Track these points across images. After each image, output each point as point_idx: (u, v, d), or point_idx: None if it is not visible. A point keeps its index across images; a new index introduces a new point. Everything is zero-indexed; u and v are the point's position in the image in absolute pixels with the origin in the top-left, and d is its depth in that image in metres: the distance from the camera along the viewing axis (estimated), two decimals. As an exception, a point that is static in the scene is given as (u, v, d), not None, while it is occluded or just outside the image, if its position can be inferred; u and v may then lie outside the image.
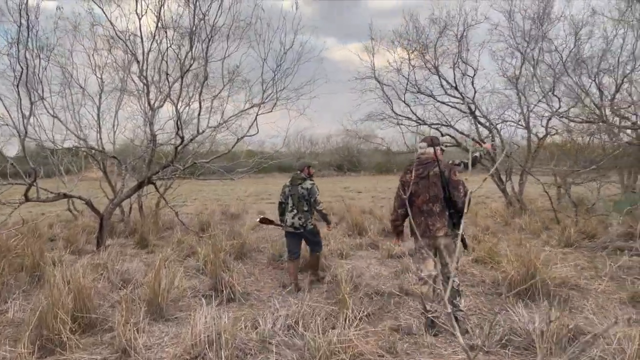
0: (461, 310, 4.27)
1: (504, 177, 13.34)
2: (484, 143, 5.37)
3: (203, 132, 8.59)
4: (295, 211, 5.99)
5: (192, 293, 5.71)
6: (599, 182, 10.01)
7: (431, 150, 4.31)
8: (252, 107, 8.20)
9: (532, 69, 12.04)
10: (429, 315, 4.18)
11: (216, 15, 7.81)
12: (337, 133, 56.86)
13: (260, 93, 8.09)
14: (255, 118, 8.23)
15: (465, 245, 4.49)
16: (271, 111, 8.09)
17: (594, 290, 5.54)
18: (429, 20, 12.94)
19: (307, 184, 6.02)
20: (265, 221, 6.64)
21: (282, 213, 6.21)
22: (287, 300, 5.26)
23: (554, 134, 12.40)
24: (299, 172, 6.15)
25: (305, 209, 5.98)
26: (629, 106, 9.89)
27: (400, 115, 13.66)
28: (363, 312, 4.60)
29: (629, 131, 10.53)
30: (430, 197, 4.20)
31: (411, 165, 4.43)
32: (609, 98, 10.07)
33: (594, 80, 11.37)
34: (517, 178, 13.52)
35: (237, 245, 7.49)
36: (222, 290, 5.54)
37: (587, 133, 10.52)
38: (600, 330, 2.71)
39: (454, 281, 4.24)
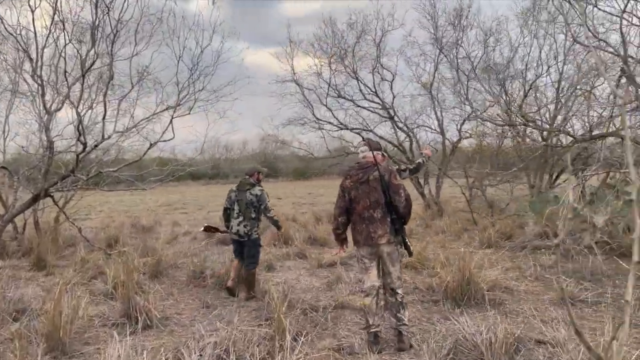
0: (405, 325, 4.05)
1: (422, 180, 13.61)
2: (426, 149, 5.26)
3: (109, 137, 7.74)
4: (241, 218, 5.71)
5: (100, 322, 4.97)
6: (511, 183, 10.44)
7: (371, 154, 4.10)
8: (166, 109, 7.50)
9: (446, 74, 12.38)
10: (372, 330, 3.95)
11: (122, 7, 7.06)
12: (254, 139, 56.18)
13: (175, 94, 7.43)
14: (171, 121, 7.55)
15: (410, 253, 4.20)
16: (189, 113, 7.46)
17: (523, 292, 5.59)
18: (346, 25, 12.91)
19: (256, 190, 5.76)
20: (209, 229, 6.32)
21: (227, 219, 5.91)
22: (214, 323, 4.73)
23: (467, 137, 12.85)
24: (247, 177, 5.87)
25: (253, 216, 5.73)
26: (537, 110, 10.43)
27: (321, 120, 13.49)
28: (300, 332, 4.21)
29: (536, 134, 11.13)
30: (371, 203, 3.99)
31: (351, 170, 4.21)
32: (518, 103, 10.56)
33: (503, 86, 11.93)
34: (434, 181, 13.89)
35: (152, 263, 6.78)
36: (137, 317, 4.87)
37: (498, 137, 10.96)
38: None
39: (398, 293, 4.04)
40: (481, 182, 10.14)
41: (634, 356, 3.11)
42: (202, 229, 6.46)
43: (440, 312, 4.90)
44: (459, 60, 12.79)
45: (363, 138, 13.50)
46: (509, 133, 10.93)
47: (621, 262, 5.87)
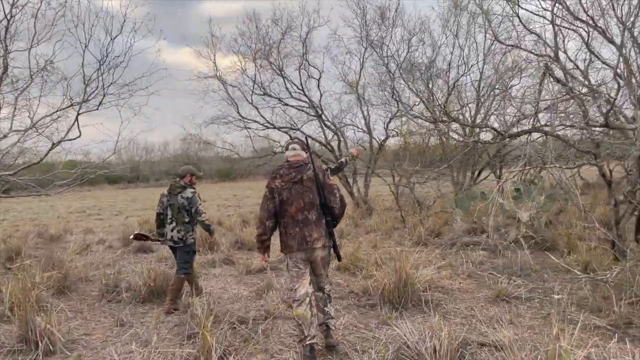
0: (332, 317, 3.95)
1: (350, 180, 13.51)
2: (355, 149, 5.05)
3: (5, 137, 6.80)
4: (174, 223, 5.37)
5: (-9, 351, 4.23)
6: (438, 181, 10.55)
7: (304, 154, 3.90)
8: (71, 105, 6.67)
9: (372, 73, 12.36)
10: (308, 342, 3.63)
11: (17, -11, 6.19)
12: (175, 140, 54.12)
13: (82, 89, 6.62)
14: (76, 119, 6.72)
15: (339, 257, 4.01)
16: (97, 109, 6.66)
17: (458, 291, 5.50)
18: (271, 21, 12.51)
19: (188, 192, 5.43)
20: (140, 237, 5.90)
21: (160, 225, 5.53)
22: (128, 345, 4.16)
23: (395, 136, 12.91)
24: (178, 179, 5.54)
25: (186, 220, 5.38)
26: (459, 109, 10.62)
27: (246, 118, 12.97)
28: (228, 350, 3.77)
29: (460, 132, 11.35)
30: (306, 204, 3.73)
31: (280, 169, 3.87)
32: (442, 101, 10.71)
33: (427, 86, 12.10)
34: (362, 179, 13.86)
35: (58, 277, 5.98)
36: (37, 341, 4.19)
37: (425, 135, 11.06)
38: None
39: (325, 289, 3.90)
40: (409, 180, 10.14)
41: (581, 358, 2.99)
42: (132, 237, 5.97)
43: (378, 316, 4.65)
44: (385, 59, 12.81)
45: (291, 137, 13.22)
46: (435, 131, 11.06)
47: (551, 257, 5.95)
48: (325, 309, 3.85)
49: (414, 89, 12.07)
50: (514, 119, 9.24)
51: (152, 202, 24.89)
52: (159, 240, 5.66)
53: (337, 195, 3.83)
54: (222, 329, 4.27)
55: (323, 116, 13.11)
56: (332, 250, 3.94)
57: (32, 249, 9.02)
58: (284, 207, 3.75)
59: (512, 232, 7.88)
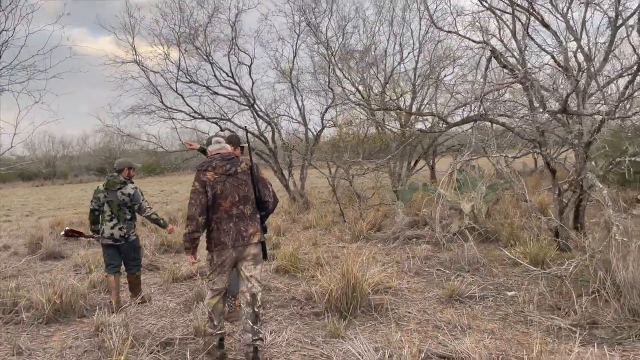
0: (262, 339, 3.56)
1: (286, 173, 12.92)
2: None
3: None
4: (115, 220, 5.07)
5: None
6: (377, 172, 10.22)
7: (229, 147, 3.74)
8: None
9: (306, 61, 11.81)
10: (218, 332, 3.55)
11: None
12: (95, 133, 50.90)
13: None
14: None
15: (265, 255, 3.75)
16: (-20, 93, 5.59)
17: (407, 291, 5.10)
18: (196, 2, 11.55)
19: (129, 188, 5.16)
20: (72, 233, 5.52)
21: (94, 221, 5.21)
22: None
23: (332, 126, 12.48)
24: (115, 174, 5.19)
25: (128, 217, 5.14)
26: (396, 99, 10.33)
27: (171, 108, 11.97)
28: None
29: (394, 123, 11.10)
30: (241, 198, 3.56)
31: (212, 161, 3.58)
32: (379, 90, 10.38)
33: (362, 74, 11.74)
34: (297, 172, 13.32)
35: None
36: None
37: (362, 125, 10.69)
38: None
39: (257, 301, 3.54)
40: (347, 172, 9.72)
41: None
42: (63, 233, 5.61)
43: (325, 327, 4.12)
44: (319, 46, 12.31)
45: (221, 128, 12.40)
46: (372, 121, 10.73)
47: (497, 249, 5.70)
48: (255, 327, 3.47)
49: (349, 78, 11.69)
50: (450, 108, 9.07)
51: (69, 201, 22.98)
52: (93, 237, 5.39)
53: (271, 189, 3.75)
54: (141, 355, 3.57)
55: (255, 106, 12.39)
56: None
57: None
58: (217, 202, 3.50)
59: (455, 224, 7.66)
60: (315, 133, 13.24)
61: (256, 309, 3.50)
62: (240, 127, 12.45)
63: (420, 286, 5.27)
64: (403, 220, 8.01)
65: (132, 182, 5.27)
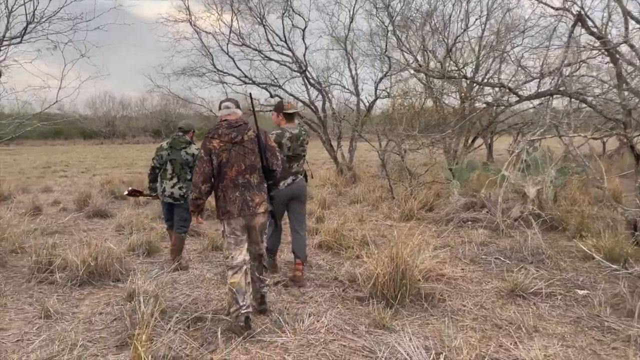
0: (267, 285, 3.85)
1: (335, 144, 12.47)
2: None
3: None
4: (176, 179, 5.17)
5: None
6: (432, 147, 9.60)
7: (239, 112, 3.67)
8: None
9: (363, 26, 11.16)
10: (244, 311, 3.41)
11: None
12: (153, 96, 52.09)
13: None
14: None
15: (276, 222, 4.00)
16: (20, 41, 5.33)
17: (462, 280, 4.60)
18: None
19: (192, 149, 5.22)
20: (134, 193, 5.63)
21: (153, 179, 5.33)
22: (47, 348, 3.17)
23: (386, 97, 11.85)
24: (181, 134, 5.25)
25: (189, 177, 5.16)
26: (460, 69, 9.54)
27: (222, 71, 11.69)
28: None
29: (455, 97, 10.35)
30: (247, 167, 3.54)
31: (218, 128, 3.56)
32: (441, 59, 9.64)
33: (422, 42, 10.97)
34: (346, 144, 12.86)
35: (-22, 250, 4.90)
36: None
37: (420, 96, 10.02)
38: None
39: (263, 257, 3.72)
40: (400, 146, 9.16)
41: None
42: (127, 192, 5.64)
43: (369, 314, 3.73)
44: (377, 11, 11.59)
45: (271, 94, 12.05)
46: (429, 93, 10.04)
47: (564, 239, 5.08)
48: (261, 277, 3.71)
49: (408, 46, 10.96)
50: (519, 82, 8.26)
51: (124, 160, 23.54)
52: (151, 196, 5.48)
53: (279, 157, 3.73)
54: (169, 329, 3.31)
55: (307, 72, 11.90)
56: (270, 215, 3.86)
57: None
58: (223, 170, 3.49)
59: (516, 208, 7.02)
60: (367, 103, 12.67)
61: (263, 262, 3.72)
62: (289, 93, 12.05)
63: (476, 276, 4.77)
64: (458, 201, 7.44)
65: (195, 144, 5.32)
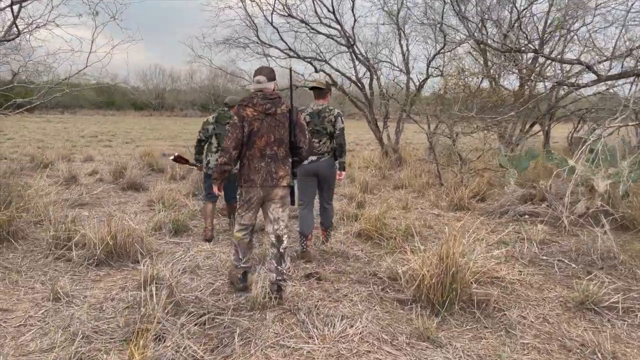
0: (285, 279, 3.64)
1: (380, 124, 11.84)
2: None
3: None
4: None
5: None
6: (487, 132, 8.83)
7: (271, 85, 3.60)
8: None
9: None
10: (243, 265, 3.66)
11: None
12: (201, 69, 52.52)
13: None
14: (10, 6, 4.87)
15: (293, 201, 3.74)
16: None
17: (519, 285, 4.01)
18: None
19: None
20: (179, 160, 5.63)
21: (199, 152, 5.42)
22: (49, 337, 2.86)
23: (439, 75, 11.07)
24: (226, 109, 5.34)
25: None
26: (532, 41, 8.63)
27: (266, 43, 11.22)
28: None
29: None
30: (276, 139, 3.55)
31: (253, 97, 3.53)
32: (503, 33, 8.77)
33: (482, 17, 10.08)
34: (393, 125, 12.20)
35: (1, 220, 4.67)
36: None
37: (477, 75, 9.21)
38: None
39: (282, 242, 3.60)
40: (451, 129, 8.45)
41: None
42: (173, 158, 5.64)
43: (411, 322, 3.23)
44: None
45: (316, 69, 11.49)
46: (486, 73, 9.21)
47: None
48: (279, 267, 3.56)
49: (465, 21, 10.10)
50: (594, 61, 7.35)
51: (169, 133, 23.68)
52: (196, 166, 5.59)
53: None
54: (181, 326, 2.92)
55: (355, 47, 11.24)
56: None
57: (7, 178, 7.77)
58: (252, 139, 3.51)
59: (581, 203, 6.25)
60: (418, 82, 11.93)
61: (281, 250, 3.57)
62: (335, 69, 11.45)
63: (536, 280, 4.16)
64: (515, 192, 6.73)
65: None
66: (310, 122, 4.58)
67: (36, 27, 6.15)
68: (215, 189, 3.73)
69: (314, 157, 4.59)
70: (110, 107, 51.45)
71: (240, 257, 3.64)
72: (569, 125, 18.68)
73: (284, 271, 3.57)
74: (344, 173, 4.83)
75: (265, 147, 3.50)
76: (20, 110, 5.21)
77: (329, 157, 4.65)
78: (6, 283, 3.77)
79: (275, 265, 3.53)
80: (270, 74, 3.60)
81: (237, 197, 3.77)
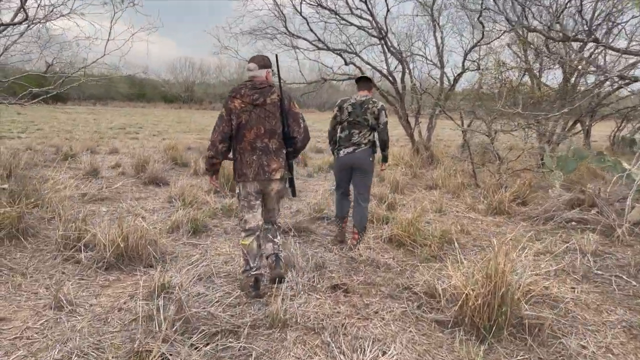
0: (281, 249, 3.68)
1: (412, 120, 11.33)
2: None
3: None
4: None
5: None
6: (528, 130, 8.25)
7: (263, 73, 3.49)
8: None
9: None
10: (254, 273, 3.46)
11: None
12: (230, 63, 52.68)
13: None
14: None
15: (294, 192, 3.72)
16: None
17: (574, 305, 3.53)
18: None
19: None
20: None
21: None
22: (47, 354, 2.55)
23: (476, 70, 10.48)
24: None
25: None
26: (568, 39, 8.02)
27: (295, 34, 10.83)
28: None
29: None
30: (267, 131, 3.44)
31: (241, 88, 3.42)
32: (547, 25, 8.16)
33: (522, 8, 9.46)
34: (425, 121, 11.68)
35: (12, 216, 4.42)
36: None
37: (520, 70, 8.62)
38: None
39: (276, 222, 3.71)
40: (490, 126, 7.90)
41: None
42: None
43: (452, 349, 2.81)
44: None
45: (346, 61, 11.04)
46: (526, 67, 8.63)
47: None
48: (275, 239, 3.64)
49: (504, 12, 9.50)
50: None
51: (197, 126, 23.60)
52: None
53: (302, 125, 3.55)
54: (190, 346, 2.57)
55: (387, 39, 10.75)
56: (287, 185, 3.68)
57: (27, 169, 7.60)
58: (242, 132, 3.42)
59: (636, 210, 5.68)
60: (452, 77, 11.36)
61: (276, 226, 3.69)
62: (365, 62, 10.97)
63: (593, 300, 3.66)
64: (560, 197, 6.18)
65: None
66: (352, 112, 4.58)
67: (60, 15, 5.94)
68: (210, 181, 3.67)
69: (349, 149, 4.61)
70: (141, 100, 52.21)
71: (251, 264, 3.50)
72: (607, 124, 17.79)
73: (278, 241, 3.65)
74: (386, 164, 5.07)
75: (256, 140, 3.42)
76: (36, 100, 4.95)
77: (366, 148, 4.63)
78: (9, 287, 3.49)
79: (271, 237, 3.62)
80: (261, 62, 3.49)
81: (236, 195, 3.62)
